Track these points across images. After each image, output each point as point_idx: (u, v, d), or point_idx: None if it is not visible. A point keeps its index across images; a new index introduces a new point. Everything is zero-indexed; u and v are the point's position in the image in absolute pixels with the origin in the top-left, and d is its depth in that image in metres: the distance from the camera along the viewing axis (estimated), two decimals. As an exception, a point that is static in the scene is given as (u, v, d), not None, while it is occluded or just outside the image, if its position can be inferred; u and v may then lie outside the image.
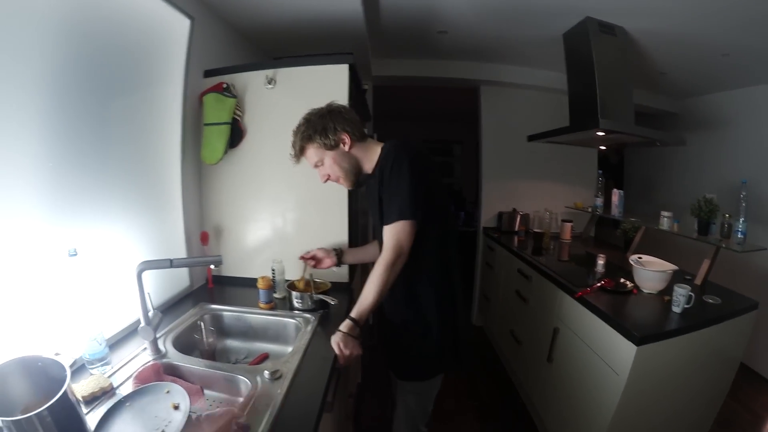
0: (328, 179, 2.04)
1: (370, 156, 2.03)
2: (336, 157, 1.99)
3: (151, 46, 2.14)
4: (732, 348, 2.53)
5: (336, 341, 1.78)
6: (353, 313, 1.84)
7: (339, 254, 2.46)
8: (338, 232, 2.63)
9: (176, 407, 1.32)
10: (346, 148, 1.99)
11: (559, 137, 3.91)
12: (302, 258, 2.39)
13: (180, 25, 2.35)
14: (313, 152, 1.98)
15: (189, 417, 1.25)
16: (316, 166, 2.02)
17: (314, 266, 2.40)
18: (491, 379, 4.26)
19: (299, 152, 2.00)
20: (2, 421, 0.98)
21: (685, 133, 4.81)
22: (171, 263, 1.76)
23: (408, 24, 3.65)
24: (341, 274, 2.68)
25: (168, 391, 1.39)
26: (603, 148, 5.00)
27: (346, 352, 1.78)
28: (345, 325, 1.82)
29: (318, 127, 1.95)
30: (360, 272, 3.19)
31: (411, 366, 2.13)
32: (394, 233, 1.82)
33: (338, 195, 2.62)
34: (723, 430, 3.00)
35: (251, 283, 2.51)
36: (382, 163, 1.92)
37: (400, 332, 2.11)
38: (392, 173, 1.84)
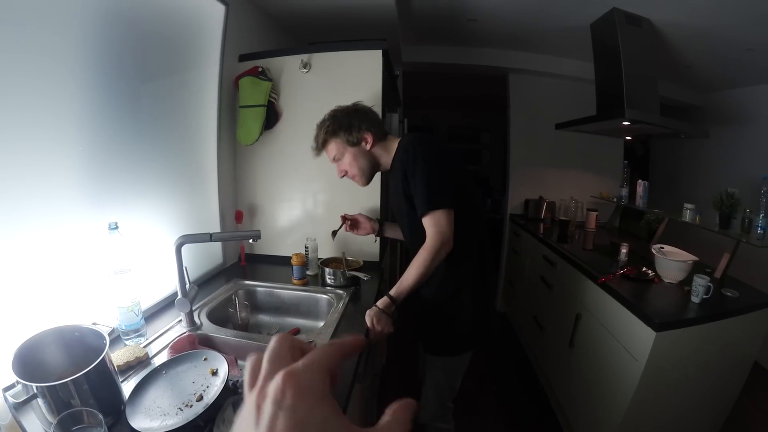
0: (344, 175, 2.11)
1: (390, 152, 2.11)
2: (356, 154, 2.07)
3: (187, 32, 2.20)
4: (747, 344, 2.54)
5: (371, 316, 1.86)
6: (392, 291, 1.91)
7: (381, 225, 2.50)
8: (370, 215, 2.64)
9: (214, 373, 1.37)
10: (368, 146, 2.06)
11: (586, 126, 3.91)
12: (343, 217, 2.41)
13: (215, 12, 2.41)
14: (334, 146, 2.06)
15: (226, 383, 1.28)
16: (334, 160, 2.09)
17: (350, 228, 2.42)
18: (513, 363, 4.30)
19: (321, 145, 2.08)
20: (37, 387, 1.02)
21: (709, 126, 4.77)
22: (211, 237, 1.82)
23: (438, 11, 3.68)
24: (372, 252, 2.75)
25: (206, 358, 1.44)
26: (629, 138, 4.99)
27: (378, 327, 1.85)
28: (382, 302, 1.89)
29: (344, 123, 2.02)
30: (389, 251, 3.24)
31: (442, 341, 2.18)
32: (432, 224, 1.87)
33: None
34: (734, 428, 3.01)
35: (283, 261, 2.60)
36: (402, 158, 1.97)
37: (433, 307, 2.16)
38: (416, 168, 1.89)
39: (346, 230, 2.41)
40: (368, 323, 1.87)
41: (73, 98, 1.49)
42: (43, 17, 1.32)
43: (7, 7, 1.20)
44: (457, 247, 1.97)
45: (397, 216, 2.23)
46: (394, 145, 2.11)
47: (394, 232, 2.52)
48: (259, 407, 0.35)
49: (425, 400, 2.33)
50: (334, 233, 2.42)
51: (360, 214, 2.47)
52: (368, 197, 2.67)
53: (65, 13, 1.41)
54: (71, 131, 1.50)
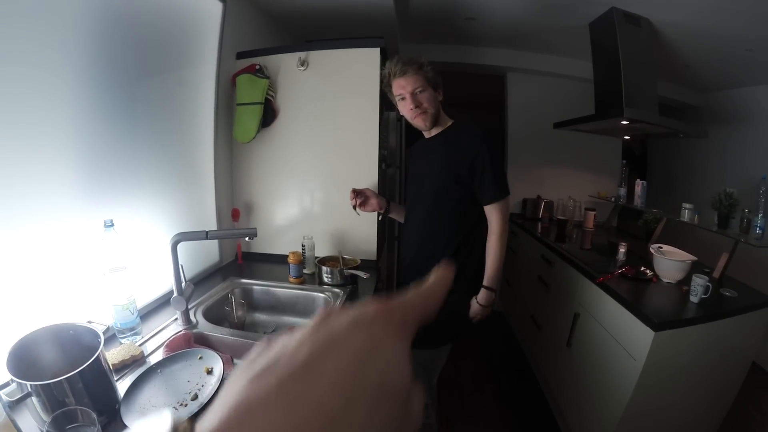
0: (417, 107, 2.09)
1: (442, 121, 2.22)
2: (435, 96, 2.13)
3: (185, 29, 2.20)
4: (745, 344, 2.54)
5: (479, 314, 2.20)
6: (488, 284, 2.12)
7: (387, 203, 2.53)
8: (368, 214, 2.64)
9: (209, 371, 1.37)
10: (440, 98, 2.16)
11: (584, 125, 3.91)
12: (353, 190, 2.42)
13: (213, 9, 2.40)
14: (423, 79, 2.07)
15: (221, 382, 1.28)
16: (414, 90, 2.07)
17: (360, 204, 2.43)
18: (510, 363, 4.28)
19: (417, 68, 2.06)
20: (31, 385, 1.02)
21: (707, 126, 4.77)
22: (207, 235, 1.81)
23: (436, 10, 3.67)
24: (369, 251, 2.73)
25: (201, 357, 1.44)
26: (627, 138, 4.98)
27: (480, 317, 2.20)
28: (484, 298, 2.16)
29: (436, 71, 2.11)
30: (387, 251, 3.24)
31: (418, 332, 2.20)
32: (499, 208, 2.09)
33: (369, 176, 2.67)
34: (733, 428, 3.00)
35: (279, 259, 2.60)
36: (473, 145, 2.07)
37: None
38: (487, 158, 2.04)
39: (356, 206, 2.42)
40: (477, 317, 2.19)
41: (69, 95, 1.49)
42: (39, 14, 1.31)
43: (2, 4, 1.19)
44: (471, 244, 2.16)
45: (422, 194, 2.27)
46: (446, 121, 2.23)
47: (399, 213, 2.56)
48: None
49: None
50: (354, 208, 2.43)
51: (368, 189, 2.49)
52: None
53: (61, 10, 1.40)
54: (67, 129, 1.49)
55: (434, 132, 2.22)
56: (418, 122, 2.15)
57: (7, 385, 1.10)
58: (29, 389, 1.02)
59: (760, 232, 2.61)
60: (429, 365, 2.27)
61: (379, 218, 2.67)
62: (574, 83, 4.85)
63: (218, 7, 2.41)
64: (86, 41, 1.53)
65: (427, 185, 2.21)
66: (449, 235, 2.14)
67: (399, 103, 2.15)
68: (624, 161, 4.53)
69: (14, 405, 1.04)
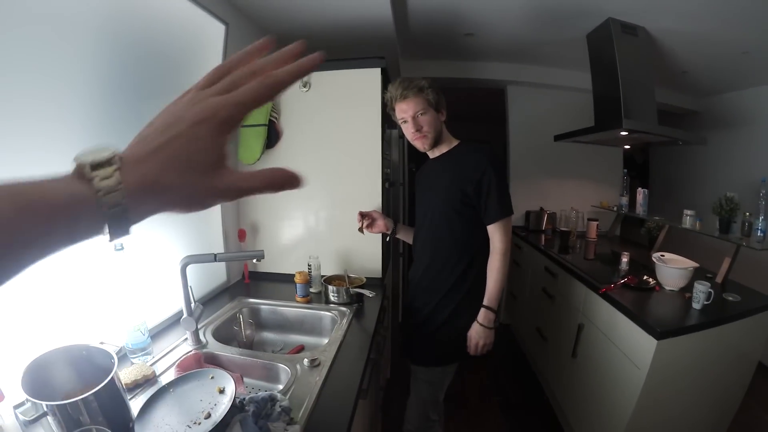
0: (419, 130, 2.12)
1: (447, 141, 2.25)
2: (436, 117, 2.15)
3: (188, 52, 2.22)
4: (750, 346, 2.55)
5: (480, 335, 2.13)
6: (488, 303, 2.09)
7: (394, 224, 2.55)
8: (371, 234, 2.66)
9: (222, 391, 1.39)
10: (442, 118, 2.18)
11: (584, 137, 3.93)
12: (360, 213, 2.46)
13: (215, 31, 2.43)
14: (423, 101, 2.09)
15: (233, 401, 1.31)
16: (415, 114, 2.10)
17: (367, 226, 2.48)
18: (516, 375, 4.28)
19: (417, 91, 2.07)
20: (48, 405, 1.04)
21: (706, 131, 4.79)
22: (215, 257, 1.84)
23: (435, 27, 3.70)
24: (374, 269, 2.76)
25: (212, 377, 1.45)
26: (628, 147, 5.00)
27: (481, 342, 2.13)
28: (484, 318, 2.12)
29: (438, 91, 2.13)
30: (392, 269, 3.25)
31: (427, 351, 2.25)
32: (501, 228, 2.10)
33: (373, 195, 2.71)
34: (741, 429, 3.02)
35: (286, 278, 2.63)
36: (479, 166, 2.09)
37: (424, 318, 2.23)
38: (492, 179, 2.05)
39: (363, 227, 2.46)
40: (479, 343, 2.13)
41: (75, 119, 1.51)
42: (45, 38, 1.35)
43: (11, 28, 1.22)
44: (477, 262, 2.16)
45: (430, 214, 2.27)
46: (450, 140, 2.26)
47: (406, 234, 2.58)
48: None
49: (409, 411, 2.41)
50: (361, 230, 2.47)
51: (375, 210, 2.53)
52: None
53: (68, 34, 1.44)
54: (72, 152, 1.51)
55: (438, 153, 2.24)
56: (418, 144, 2.19)
57: (22, 404, 1.12)
58: (45, 409, 1.05)
59: (762, 235, 2.63)
60: (436, 382, 2.29)
61: (386, 239, 2.70)
62: (574, 94, 4.88)
63: (221, 30, 2.45)
64: (92, 65, 1.56)
65: (434, 205, 2.23)
66: (459, 254, 2.15)
67: (402, 126, 2.19)
68: (625, 170, 4.57)
69: (29, 424, 1.07)
